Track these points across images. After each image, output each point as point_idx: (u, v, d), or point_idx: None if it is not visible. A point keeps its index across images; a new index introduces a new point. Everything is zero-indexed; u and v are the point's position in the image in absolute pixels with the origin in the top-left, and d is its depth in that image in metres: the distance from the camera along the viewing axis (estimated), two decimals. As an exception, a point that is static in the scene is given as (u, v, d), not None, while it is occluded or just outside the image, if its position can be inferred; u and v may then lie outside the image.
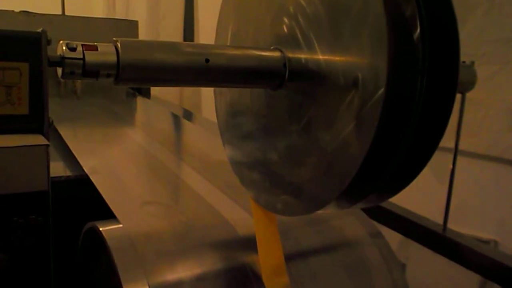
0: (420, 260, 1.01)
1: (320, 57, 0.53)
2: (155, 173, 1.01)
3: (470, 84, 0.77)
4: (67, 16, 1.81)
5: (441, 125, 0.49)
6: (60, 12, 1.91)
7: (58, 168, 0.98)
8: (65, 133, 1.12)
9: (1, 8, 1.71)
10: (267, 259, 0.69)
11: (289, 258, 0.74)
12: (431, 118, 0.48)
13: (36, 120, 0.43)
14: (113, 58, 0.48)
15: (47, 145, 0.39)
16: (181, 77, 0.54)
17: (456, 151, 0.80)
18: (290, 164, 0.60)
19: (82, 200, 0.89)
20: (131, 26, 1.91)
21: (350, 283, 0.77)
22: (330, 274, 0.77)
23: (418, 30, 0.45)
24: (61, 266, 0.83)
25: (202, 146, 1.26)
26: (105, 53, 0.48)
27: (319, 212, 0.59)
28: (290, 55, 0.57)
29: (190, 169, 1.03)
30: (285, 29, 0.58)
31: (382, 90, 0.45)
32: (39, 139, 0.40)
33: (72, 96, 1.74)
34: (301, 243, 0.80)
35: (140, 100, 1.82)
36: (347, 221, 0.83)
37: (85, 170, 0.90)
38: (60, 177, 0.96)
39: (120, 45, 0.49)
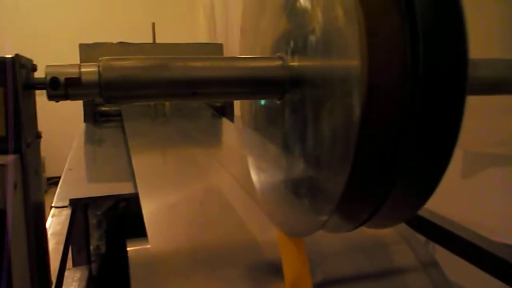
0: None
1: (317, 63, 0.48)
2: (203, 196, 0.97)
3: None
4: (157, 43, 1.94)
5: (448, 134, 0.40)
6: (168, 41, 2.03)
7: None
8: (136, 157, 1.17)
9: (104, 41, 1.90)
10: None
11: (331, 284, 0.68)
12: (433, 124, 0.40)
13: (13, 141, 0.44)
14: (95, 80, 0.48)
15: (4, 165, 0.40)
16: (168, 97, 0.52)
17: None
18: (297, 178, 0.54)
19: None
20: (216, 48, 1.99)
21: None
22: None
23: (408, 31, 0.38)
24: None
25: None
26: (88, 81, 0.48)
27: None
28: (291, 63, 0.52)
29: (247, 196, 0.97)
30: (286, 37, 0.54)
31: (362, 95, 0.38)
32: (2, 159, 0.41)
33: (162, 117, 1.84)
34: (346, 269, 0.72)
35: (225, 123, 1.80)
36: (398, 249, 0.73)
37: (138, 191, 0.92)
38: (125, 194, 1.01)
39: (102, 67, 0.49)
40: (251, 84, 0.53)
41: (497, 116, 1.37)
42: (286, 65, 0.53)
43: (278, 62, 0.53)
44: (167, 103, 1.87)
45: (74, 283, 0.89)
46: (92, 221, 1.20)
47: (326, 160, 0.45)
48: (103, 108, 1.91)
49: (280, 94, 0.54)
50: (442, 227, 0.74)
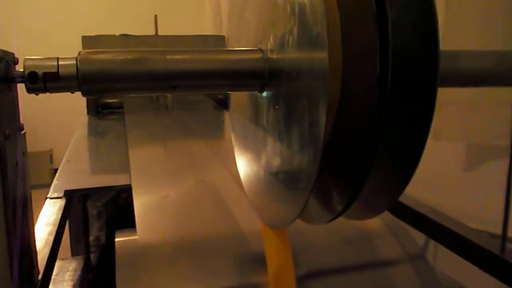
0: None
1: (293, 57, 0.48)
2: (196, 189, 0.97)
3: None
4: (159, 36, 1.94)
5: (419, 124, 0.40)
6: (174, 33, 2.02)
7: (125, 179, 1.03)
8: (133, 148, 1.17)
9: (106, 33, 1.90)
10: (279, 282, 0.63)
11: (315, 276, 0.68)
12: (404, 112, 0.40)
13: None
14: (73, 74, 0.49)
15: None
16: (148, 90, 0.53)
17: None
18: (275, 169, 0.54)
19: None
20: (219, 40, 1.98)
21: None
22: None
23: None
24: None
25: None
26: (66, 74, 0.49)
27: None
28: (270, 55, 0.52)
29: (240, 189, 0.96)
30: (267, 29, 0.54)
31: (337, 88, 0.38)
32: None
33: (163, 109, 1.85)
34: (331, 261, 0.72)
35: (227, 116, 1.81)
36: (384, 241, 0.73)
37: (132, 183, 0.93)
38: (119, 186, 1.02)
39: (80, 61, 0.49)
40: (231, 77, 0.53)
41: (501, 108, 1.35)
42: (265, 58, 0.53)
43: (258, 55, 0.53)
44: (169, 95, 1.87)
45: (68, 273, 0.91)
46: (92, 212, 1.21)
47: (300, 149, 0.45)
48: (106, 100, 1.92)
49: (260, 87, 0.54)
50: (442, 225, 0.73)
